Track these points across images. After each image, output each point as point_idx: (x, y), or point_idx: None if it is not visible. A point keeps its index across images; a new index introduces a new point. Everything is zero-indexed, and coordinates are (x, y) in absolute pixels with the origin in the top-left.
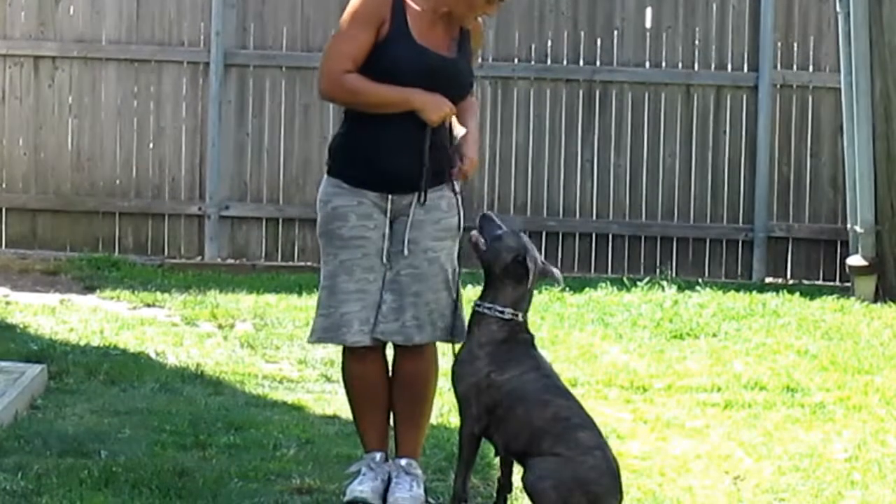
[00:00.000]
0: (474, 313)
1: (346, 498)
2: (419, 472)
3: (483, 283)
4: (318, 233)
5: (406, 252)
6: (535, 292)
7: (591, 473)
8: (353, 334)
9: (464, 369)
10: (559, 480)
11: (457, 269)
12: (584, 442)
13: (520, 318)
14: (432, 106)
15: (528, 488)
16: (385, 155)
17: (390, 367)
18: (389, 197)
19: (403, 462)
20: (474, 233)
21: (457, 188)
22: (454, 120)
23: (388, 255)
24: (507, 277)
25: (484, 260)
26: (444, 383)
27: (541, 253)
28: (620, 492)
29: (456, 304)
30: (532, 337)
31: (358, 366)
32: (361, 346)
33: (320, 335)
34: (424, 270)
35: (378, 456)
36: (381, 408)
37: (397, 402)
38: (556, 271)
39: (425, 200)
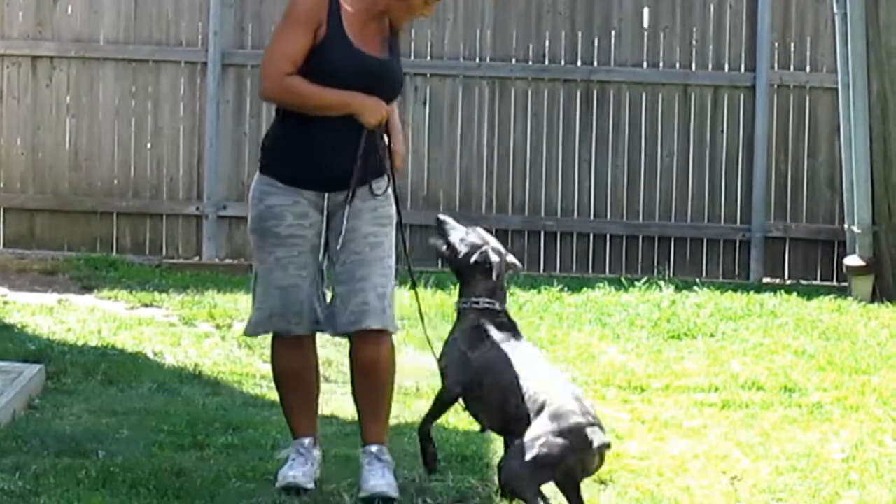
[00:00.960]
0: (458, 312)
1: (279, 483)
2: (389, 458)
3: (458, 285)
4: (249, 229)
5: (348, 243)
6: (535, 292)
7: (563, 451)
8: (284, 324)
9: (444, 349)
10: (529, 460)
11: (394, 259)
12: (555, 419)
13: (497, 306)
14: (371, 109)
15: (500, 472)
16: (322, 155)
17: (348, 358)
18: (326, 195)
19: (374, 449)
20: (436, 241)
21: (388, 186)
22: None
23: (327, 253)
24: (477, 273)
25: (453, 263)
26: (439, 382)
27: (539, 253)
28: (599, 457)
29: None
30: (513, 323)
31: (288, 357)
32: (291, 337)
33: (254, 328)
34: (368, 255)
35: (307, 441)
36: (309, 394)
37: (359, 392)
38: (517, 261)
39: (352, 199)
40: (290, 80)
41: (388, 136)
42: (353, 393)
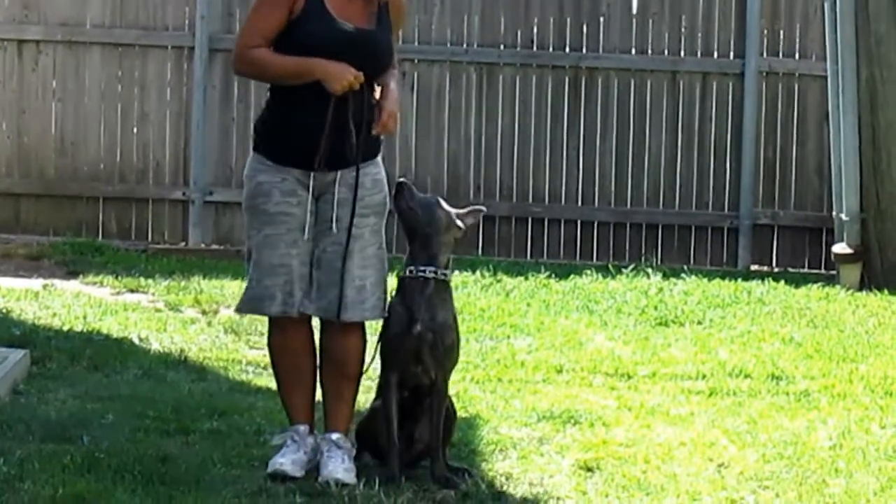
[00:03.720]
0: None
1: (268, 470)
2: (349, 445)
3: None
4: (243, 207)
5: (335, 230)
6: (522, 279)
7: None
8: (276, 306)
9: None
10: None
11: (384, 245)
12: None
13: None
14: (335, 75)
15: None
16: (305, 132)
17: (318, 343)
18: (312, 174)
19: (335, 437)
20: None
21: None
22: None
23: (312, 231)
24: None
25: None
26: None
27: (526, 239)
28: None
29: (385, 280)
30: None
31: (282, 337)
32: (285, 317)
33: (242, 305)
34: (350, 247)
35: (302, 429)
36: (305, 380)
37: (326, 378)
38: None
39: (319, 168)
40: (254, 53)
41: (380, 99)
42: (321, 378)
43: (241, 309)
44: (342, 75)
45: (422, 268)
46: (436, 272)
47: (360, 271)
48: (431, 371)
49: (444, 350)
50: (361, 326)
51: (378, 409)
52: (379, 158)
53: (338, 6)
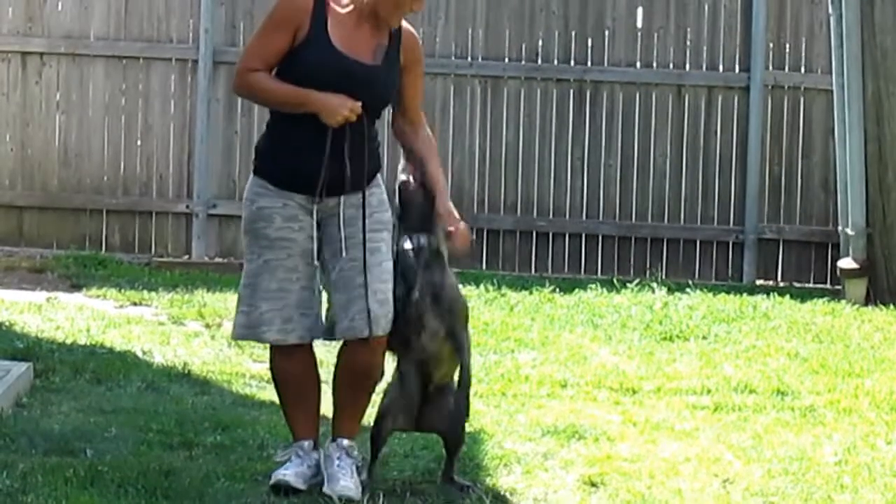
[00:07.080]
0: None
1: (271, 482)
2: (358, 455)
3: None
4: (242, 231)
5: (345, 251)
6: (526, 293)
7: None
8: (272, 332)
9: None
10: None
11: (391, 262)
12: None
13: None
14: (330, 109)
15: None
16: (307, 158)
17: (337, 355)
18: (315, 199)
19: (346, 443)
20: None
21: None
22: (402, 162)
23: (319, 257)
24: None
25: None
26: None
27: (531, 253)
28: None
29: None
30: None
31: (285, 363)
32: (282, 344)
33: (240, 332)
34: (367, 260)
35: (307, 444)
36: (309, 400)
37: (342, 389)
38: None
39: (321, 199)
40: (253, 76)
41: (433, 194)
42: (335, 389)
43: (237, 335)
44: (337, 110)
45: (418, 237)
46: (430, 242)
47: (380, 285)
48: (440, 330)
49: (449, 304)
50: (382, 340)
51: (393, 397)
52: (380, 178)
53: (343, 38)
